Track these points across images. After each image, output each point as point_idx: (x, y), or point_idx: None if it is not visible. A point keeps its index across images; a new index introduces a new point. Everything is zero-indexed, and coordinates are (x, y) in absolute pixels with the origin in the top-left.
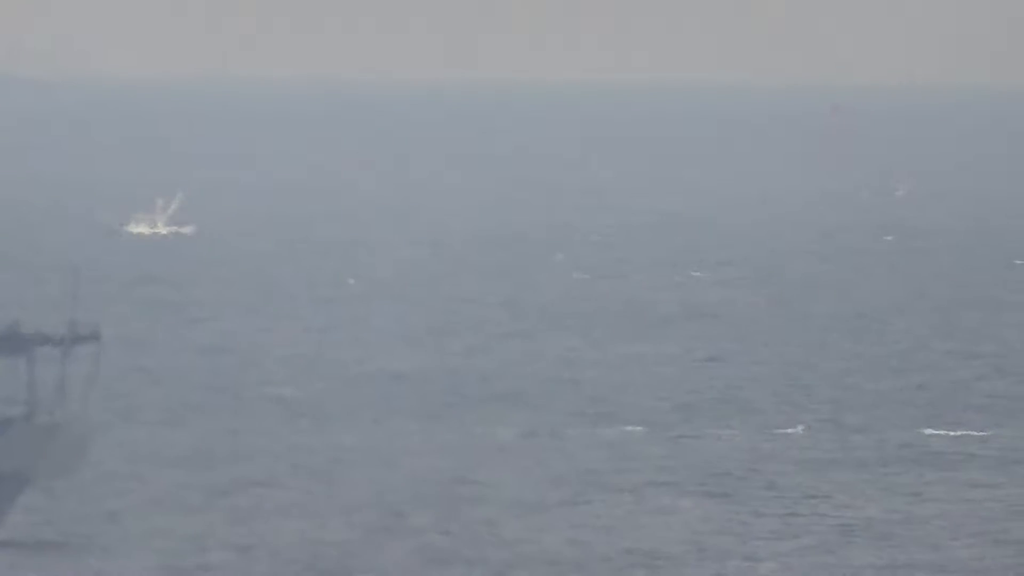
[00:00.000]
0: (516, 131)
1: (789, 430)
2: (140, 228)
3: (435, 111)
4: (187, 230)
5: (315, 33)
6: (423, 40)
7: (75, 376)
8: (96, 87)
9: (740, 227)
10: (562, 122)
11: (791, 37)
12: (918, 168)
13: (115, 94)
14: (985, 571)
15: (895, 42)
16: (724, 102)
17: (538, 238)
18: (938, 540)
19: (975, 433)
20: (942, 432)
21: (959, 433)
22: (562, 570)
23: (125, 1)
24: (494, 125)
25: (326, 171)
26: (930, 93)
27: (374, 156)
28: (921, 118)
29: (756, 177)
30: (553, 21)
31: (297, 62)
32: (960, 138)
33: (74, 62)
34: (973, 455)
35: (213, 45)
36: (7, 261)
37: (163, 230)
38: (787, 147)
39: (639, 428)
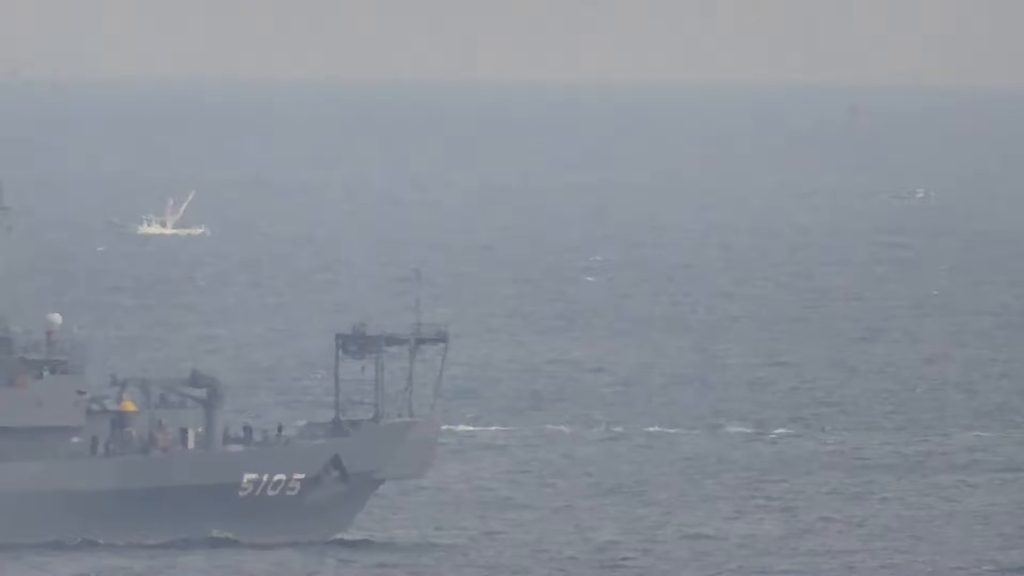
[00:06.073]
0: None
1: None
2: (150, 229)
3: (447, 112)
4: (197, 231)
5: (327, 34)
6: (430, 44)
7: (422, 377)
8: (104, 87)
9: (760, 230)
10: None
11: (797, 37)
12: (935, 170)
13: (124, 94)
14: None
15: (902, 42)
16: (736, 104)
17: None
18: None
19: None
20: (960, 436)
21: (972, 436)
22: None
23: (136, 2)
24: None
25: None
26: (937, 94)
27: (381, 157)
28: (929, 119)
29: (778, 179)
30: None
31: (311, 63)
32: (970, 139)
33: (83, 62)
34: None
35: (224, 46)
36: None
37: (172, 231)
38: (805, 148)
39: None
